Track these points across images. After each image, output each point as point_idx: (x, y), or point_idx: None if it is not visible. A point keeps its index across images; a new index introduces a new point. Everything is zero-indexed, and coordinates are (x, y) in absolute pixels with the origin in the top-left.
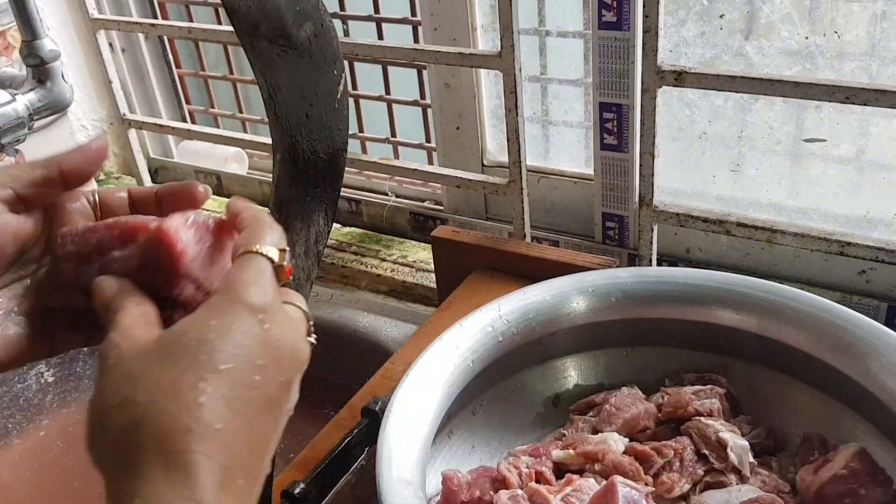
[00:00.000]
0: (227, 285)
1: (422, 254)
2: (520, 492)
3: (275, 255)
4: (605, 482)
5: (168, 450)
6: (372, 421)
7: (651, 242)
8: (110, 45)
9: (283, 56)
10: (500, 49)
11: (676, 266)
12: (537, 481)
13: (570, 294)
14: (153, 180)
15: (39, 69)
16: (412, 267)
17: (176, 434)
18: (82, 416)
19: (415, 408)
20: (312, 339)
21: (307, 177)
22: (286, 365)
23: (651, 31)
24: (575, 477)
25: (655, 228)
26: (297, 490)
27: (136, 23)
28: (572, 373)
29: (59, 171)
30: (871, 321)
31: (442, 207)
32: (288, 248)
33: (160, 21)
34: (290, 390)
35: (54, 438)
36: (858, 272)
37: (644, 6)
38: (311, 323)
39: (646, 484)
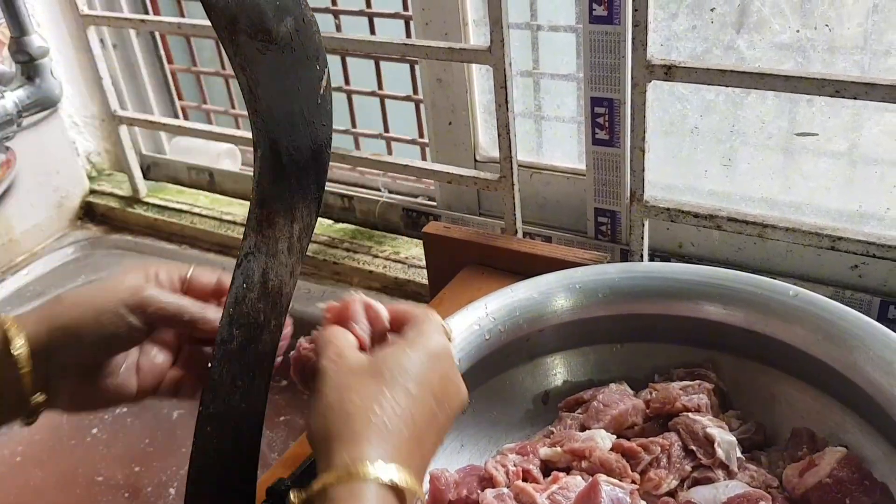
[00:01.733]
0: (417, 329)
1: (414, 250)
2: (506, 490)
3: (444, 323)
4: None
5: (349, 430)
6: None
7: (642, 237)
8: (101, 41)
9: (263, 51)
10: (489, 44)
11: (669, 261)
12: (524, 479)
13: (557, 291)
14: (145, 177)
15: (28, 66)
16: (404, 263)
17: (357, 421)
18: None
19: None
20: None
21: (290, 173)
22: (454, 402)
23: (640, 25)
24: (561, 475)
25: (646, 223)
26: (282, 487)
27: (127, 18)
28: (561, 369)
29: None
30: (857, 314)
31: (435, 203)
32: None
33: (151, 17)
34: (452, 420)
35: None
36: (851, 267)
37: (633, 0)
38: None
39: (633, 481)
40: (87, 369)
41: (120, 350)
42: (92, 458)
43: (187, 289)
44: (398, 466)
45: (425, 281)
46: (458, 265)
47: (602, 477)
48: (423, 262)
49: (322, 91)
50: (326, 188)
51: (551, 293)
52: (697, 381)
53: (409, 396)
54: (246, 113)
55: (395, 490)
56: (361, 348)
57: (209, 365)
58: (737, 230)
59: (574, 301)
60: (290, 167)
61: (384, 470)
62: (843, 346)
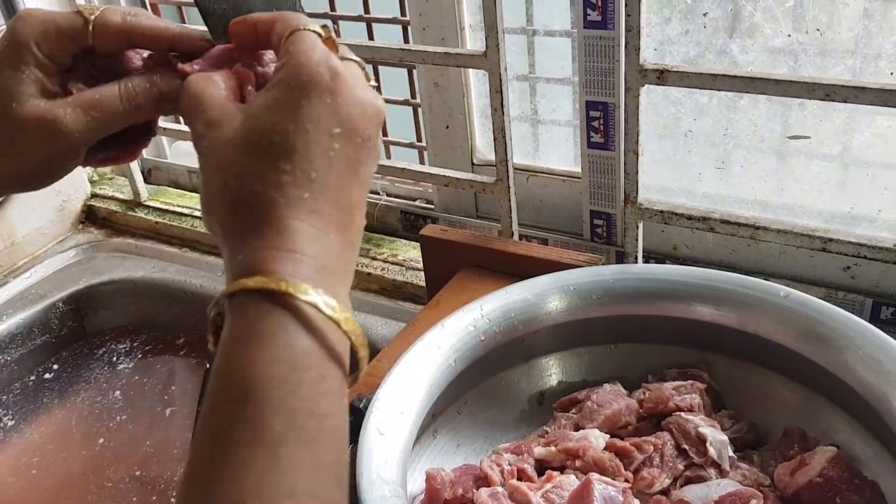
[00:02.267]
0: (288, 62)
1: (412, 252)
2: (500, 489)
3: (319, 29)
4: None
5: (262, 220)
6: (357, 417)
7: (637, 240)
8: None
9: None
10: (485, 48)
11: (663, 263)
12: (519, 478)
13: (552, 292)
14: (146, 181)
15: None
16: (402, 266)
17: (267, 207)
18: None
19: (396, 408)
20: (372, 82)
21: None
22: (361, 124)
23: (633, 30)
24: (555, 474)
25: (641, 226)
26: None
27: None
28: (556, 370)
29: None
30: (847, 314)
31: (433, 206)
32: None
33: None
34: (369, 147)
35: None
36: (843, 268)
37: (626, 5)
38: (365, 69)
39: (626, 480)
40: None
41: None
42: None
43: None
44: (326, 291)
45: (423, 283)
46: (454, 267)
47: (595, 476)
48: (421, 265)
49: None
50: None
51: (546, 295)
52: (690, 381)
53: (294, 156)
54: None
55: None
56: (241, 97)
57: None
58: (730, 232)
59: (568, 302)
60: None
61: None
62: (834, 346)
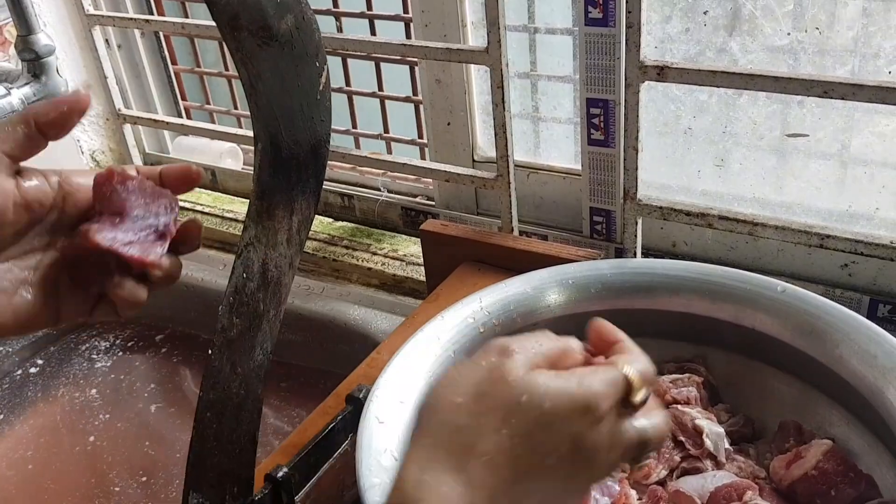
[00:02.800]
0: (582, 378)
1: (412, 248)
2: None
3: (635, 377)
4: None
5: None
6: (356, 408)
7: (635, 236)
8: (106, 41)
9: (263, 48)
10: (487, 44)
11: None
12: None
13: (550, 286)
14: None
15: (34, 63)
16: (402, 260)
17: None
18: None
19: (395, 397)
20: (647, 462)
21: (289, 166)
22: (579, 466)
23: (634, 27)
24: None
25: (640, 222)
26: (280, 474)
27: (131, 18)
28: None
29: (36, 126)
30: (842, 308)
31: (433, 203)
32: (651, 384)
33: (155, 17)
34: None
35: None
36: (841, 266)
37: (627, 2)
38: (649, 445)
39: (622, 470)
40: None
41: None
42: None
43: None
44: None
45: (423, 278)
46: (454, 262)
47: None
48: (421, 260)
49: (321, 88)
50: (327, 187)
51: (544, 288)
52: (687, 375)
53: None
54: (248, 113)
55: None
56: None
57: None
58: (728, 228)
59: (567, 296)
60: (290, 161)
61: None
62: (829, 340)
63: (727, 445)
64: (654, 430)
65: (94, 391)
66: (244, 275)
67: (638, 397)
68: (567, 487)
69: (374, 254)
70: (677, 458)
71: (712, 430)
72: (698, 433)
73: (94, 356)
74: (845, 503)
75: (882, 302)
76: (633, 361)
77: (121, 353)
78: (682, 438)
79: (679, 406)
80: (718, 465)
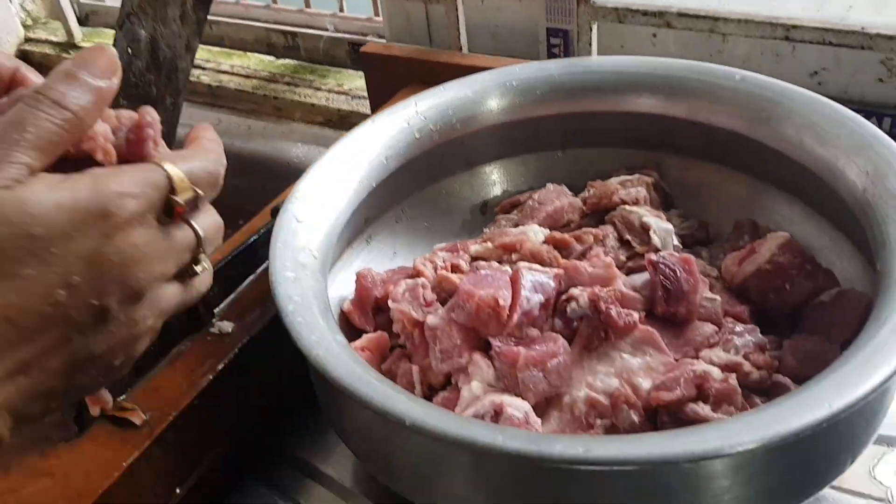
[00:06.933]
0: (97, 179)
1: (359, 82)
2: (421, 280)
3: (179, 180)
4: None
5: None
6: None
7: (590, 45)
8: None
9: None
10: None
11: None
12: (453, 272)
13: (492, 88)
14: (82, 26)
15: None
16: (348, 94)
17: None
18: None
19: (318, 199)
20: (200, 266)
21: None
22: (107, 289)
23: None
24: (486, 264)
25: (595, 28)
26: None
27: None
28: (500, 178)
29: None
30: (804, 91)
31: (384, 40)
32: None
33: None
34: (98, 318)
35: None
36: (810, 74)
37: None
38: (202, 251)
39: (555, 265)
40: None
41: None
42: None
43: None
44: None
45: (369, 112)
46: (399, 86)
47: (524, 264)
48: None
49: None
50: (269, 27)
51: (486, 91)
52: (636, 176)
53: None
54: None
55: None
56: None
57: None
58: (688, 26)
59: (510, 99)
60: None
61: None
62: (790, 125)
63: (676, 243)
64: (206, 230)
65: None
66: (129, 50)
67: (179, 198)
68: (108, 321)
69: (318, 89)
70: (623, 258)
71: (660, 226)
72: (645, 231)
73: None
74: (801, 296)
75: (853, 111)
76: (189, 159)
77: None
78: (629, 237)
79: (627, 206)
80: None
